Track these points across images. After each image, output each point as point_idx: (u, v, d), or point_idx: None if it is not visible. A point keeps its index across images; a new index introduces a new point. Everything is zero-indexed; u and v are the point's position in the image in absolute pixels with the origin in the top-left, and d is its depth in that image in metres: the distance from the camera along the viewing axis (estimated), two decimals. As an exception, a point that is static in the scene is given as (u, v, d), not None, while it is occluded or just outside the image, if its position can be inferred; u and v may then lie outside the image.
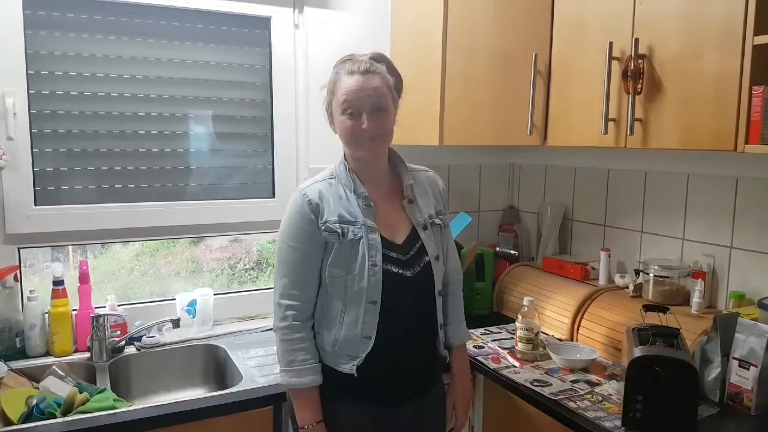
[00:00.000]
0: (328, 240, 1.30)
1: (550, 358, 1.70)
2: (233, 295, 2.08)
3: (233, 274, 2.16)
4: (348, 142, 1.33)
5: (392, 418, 1.34)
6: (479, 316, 2.14)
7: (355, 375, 1.29)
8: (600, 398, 1.46)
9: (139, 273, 2.02)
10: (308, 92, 2.04)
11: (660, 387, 1.26)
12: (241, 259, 2.17)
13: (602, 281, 1.96)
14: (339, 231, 1.29)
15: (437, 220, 1.41)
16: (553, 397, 1.46)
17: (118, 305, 1.81)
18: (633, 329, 1.44)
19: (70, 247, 1.90)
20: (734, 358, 1.39)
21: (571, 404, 1.42)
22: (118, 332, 1.75)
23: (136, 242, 1.99)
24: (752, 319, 1.42)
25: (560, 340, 1.85)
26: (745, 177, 1.61)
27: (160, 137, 1.88)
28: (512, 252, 2.37)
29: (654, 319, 1.49)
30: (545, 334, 1.89)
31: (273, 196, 2.05)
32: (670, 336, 1.31)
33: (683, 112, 1.41)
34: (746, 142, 1.27)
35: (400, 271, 1.32)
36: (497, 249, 2.37)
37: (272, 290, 1.35)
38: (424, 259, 1.36)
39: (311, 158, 2.07)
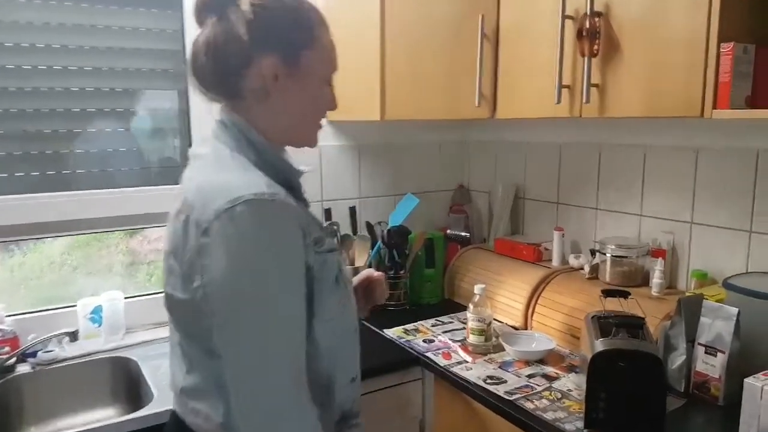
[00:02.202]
0: (322, 269, 0.90)
1: (504, 350, 1.56)
2: (149, 297, 1.82)
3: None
4: (317, 120, 1.00)
5: None
6: (429, 305, 1.99)
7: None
8: (559, 395, 1.33)
9: (71, 268, 1.77)
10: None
11: (625, 383, 1.13)
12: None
13: (556, 263, 1.84)
14: (337, 248, 0.96)
15: None
16: (508, 397, 1.32)
17: (7, 316, 1.54)
18: (592, 317, 1.31)
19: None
20: (700, 344, 1.28)
21: (529, 404, 1.28)
22: (7, 348, 1.48)
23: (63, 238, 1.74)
24: (717, 301, 1.31)
25: (515, 328, 1.72)
26: (707, 148, 1.50)
27: (37, 116, 1.58)
28: (464, 234, 2.22)
29: (615, 305, 1.36)
30: (498, 321, 1.75)
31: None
32: (635, 326, 1.18)
33: (644, 76, 1.27)
34: (714, 107, 1.13)
35: None
36: (448, 231, 2.22)
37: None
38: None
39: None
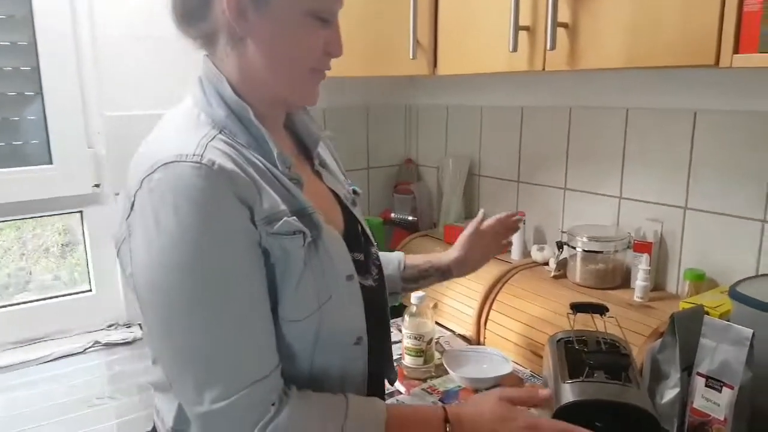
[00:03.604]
0: (284, 258, 0.70)
1: (447, 373, 1.23)
2: (13, 308, 1.43)
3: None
4: (306, 70, 0.77)
5: None
6: (366, 306, 1.64)
7: None
8: (515, 444, 1.00)
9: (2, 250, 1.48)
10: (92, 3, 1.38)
11: (603, 448, 0.81)
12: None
13: (515, 256, 1.50)
14: (304, 230, 0.71)
15: (357, 188, 0.95)
16: (448, 449, 0.98)
17: None
18: (558, 341, 0.98)
19: None
20: (699, 374, 0.96)
21: (474, 461, 0.95)
22: None
23: None
24: (720, 314, 1.00)
25: (467, 339, 1.38)
26: (709, 110, 1.15)
27: None
28: (410, 218, 1.87)
29: (587, 322, 1.03)
30: (448, 330, 1.42)
31: (50, 161, 1.40)
32: (617, 367, 0.84)
33: (631, 11, 0.91)
34: (735, 51, 0.78)
35: (364, 282, 0.82)
36: (392, 215, 1.87)
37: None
38: (373, 253, 0.90)
39: (106, 102, 1.42)
